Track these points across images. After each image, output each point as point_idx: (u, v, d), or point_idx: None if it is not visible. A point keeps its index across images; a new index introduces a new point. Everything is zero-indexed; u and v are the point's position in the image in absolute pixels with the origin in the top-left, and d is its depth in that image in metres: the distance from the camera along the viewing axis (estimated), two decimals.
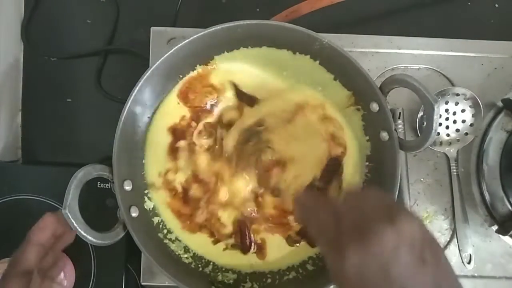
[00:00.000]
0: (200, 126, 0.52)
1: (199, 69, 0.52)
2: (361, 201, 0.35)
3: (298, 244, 0.51)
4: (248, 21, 0.47)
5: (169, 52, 0.47)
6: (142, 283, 0.54)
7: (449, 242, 0.55)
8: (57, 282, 0.44)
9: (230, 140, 0.52)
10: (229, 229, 0.52)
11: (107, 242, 0.43)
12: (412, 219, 0.32)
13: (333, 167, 0.52)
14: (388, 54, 0.58)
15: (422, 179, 0.57)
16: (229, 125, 0.53)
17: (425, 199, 0.56)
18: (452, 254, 0.55)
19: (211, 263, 0.51)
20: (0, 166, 0.58)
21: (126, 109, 0.46)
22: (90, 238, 0.41)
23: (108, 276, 0.54)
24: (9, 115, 0.61)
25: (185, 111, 0.53)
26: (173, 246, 0.50)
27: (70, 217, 0.40)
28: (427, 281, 0.30)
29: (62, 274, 0.46)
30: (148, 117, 0.51)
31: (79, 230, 0.40)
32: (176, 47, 0.47)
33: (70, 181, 0.41)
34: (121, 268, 0.55)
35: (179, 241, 0.51)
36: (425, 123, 0.54)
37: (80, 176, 0.42)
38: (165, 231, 0.50)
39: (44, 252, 0.43)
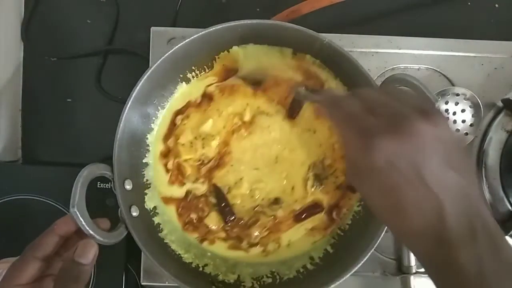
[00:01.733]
0: None
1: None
2: (397, 94, 0.34)
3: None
4: (248, 21, 0.47)
5: (169, 52, 0.47)
6: (142, 283, 0.54)
7: None
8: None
9: None
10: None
11: (112, 241, 0.43)
12: (446, 123, 0.32)
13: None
14: (388, 54, 0.58)
15: None
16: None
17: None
18: None
19: (212, 263, 0.51)
20: (0, 166, 0.58)
21: (126, 109, 0.46)
22: (97, 237, 0.41)
23: (108, 276, 0.54)
24: (9, 115, 0.61)
25: None
26: (173, 246, 0.50)
27: (79, 215, 0.40)
28: (453, 186, 0.30)
29: None
30: (148, 117, 0.51)
31: (87, 229, 0.40)
32: (176, 47, 0.47)
33: (76, 180, 0.41)
34: (121, 268, 0.55)
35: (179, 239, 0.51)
36: None
37: (86, 174, 0.42)
38: (165, 231, 0.50)
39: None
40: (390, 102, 0.34)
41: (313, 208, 0.52)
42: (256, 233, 0.51)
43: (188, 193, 0.52)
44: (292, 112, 0.52)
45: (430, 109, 0.32)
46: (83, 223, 0.40)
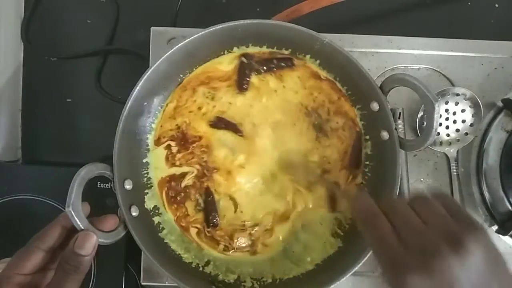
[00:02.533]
0: None
1: None
2: (430, 215, 0.35)
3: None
4: (248, 21, 0.47)
5: (169, 52, 0.47)
6: (142, 283, 0.54)
7: None
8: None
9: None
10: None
11: (108, 241, 0.43)
12: (479, 243, 0.32)
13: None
14: (388, 54, 0.58)
15: (422, 179, 0.57)
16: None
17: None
18: None
19: (212, 262, 0.51)
20: (0, 166, 0.58)
21: (127, 109, 0.46)
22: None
23: (108, 276, 0.54)
24: (9, 115, 0.61)
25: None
26: (173, 246, 0.50)
27: (74, 215, 0.40)
28: None
29: None
30: (148, 117, 0.51)
31: (82, 228, 0.40)
32: (176, 47, 0.47)
33: (73, 179, 0.41)
34: (121, 268, 0.55)
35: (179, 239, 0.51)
36: (425, 123, 0.54)
37: (83, 174, 0.42)
38: (165, 231, 0.50)
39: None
40: (422, 229, 0.34)
41: None
42: (240, 241, 0.51)
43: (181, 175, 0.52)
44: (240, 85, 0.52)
45: (464, 235, 0.33)
46: (78, 222, 0.40)
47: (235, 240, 0.51)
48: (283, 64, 0.52)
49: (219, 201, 0.52)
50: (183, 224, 0.51)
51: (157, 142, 0.52)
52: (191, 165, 0.52)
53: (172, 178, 0.51)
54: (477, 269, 0.32)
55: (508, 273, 0.33)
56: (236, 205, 0.51)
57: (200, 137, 0.52)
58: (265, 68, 0.52)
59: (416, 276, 0.32)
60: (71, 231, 0.42)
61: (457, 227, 0.34)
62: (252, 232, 0.51)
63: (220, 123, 0.52)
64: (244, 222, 0.51)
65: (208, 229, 0.51)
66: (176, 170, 0.52)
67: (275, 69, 0.52)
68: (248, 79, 0.52)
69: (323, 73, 0.52)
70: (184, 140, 0.52)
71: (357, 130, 0.52)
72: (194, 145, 0.52)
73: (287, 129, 0.52)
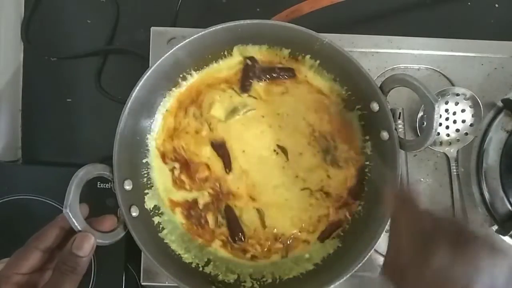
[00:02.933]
0: None
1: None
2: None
3: None
4: (249, 21, 0.47)
5: (169, 52, 0.47)
6: (142, 283, 0.54)
7: None
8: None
9: None
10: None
11: (107, 241, 0.43)
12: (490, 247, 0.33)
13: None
14: (388, 54, 0.58)
15: (422, 179, 0.57)
16: None
17: (425, 199, 0.56)
18: None
19: (212, 262, 0.51)
20: (0, 166, 0.58)
21: (127, 109, 0.46)
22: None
23: (108, 276, 0.54)
24: (9, 115, 0.61)
25: None
26: (173, 246, 0.50)
27: (71, 216, 0.40)
28: None
29: None
30: (149, 117, 0.51)
31: (80, 230, 0.40)
32: (176, 47, 0.47)
33: (71, 180, 0.41)
34: (121, 268, 0.55)
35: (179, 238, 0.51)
36: (425, 123, 0.54)
37: (81, 175, 0.42)
38: (165, 231, 0.50)
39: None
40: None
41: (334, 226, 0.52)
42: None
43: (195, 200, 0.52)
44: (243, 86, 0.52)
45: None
46: (76, 224, 0.40)
47: (267, 249, 0.51)
48: (285, 75, 0.52)
49: (241, 215, 0.51)
50: (207, 238, 0.51)
51: (162, 159, 0.52)
52: (202, 189, 0.52)
53: (186, 204, 0.52)
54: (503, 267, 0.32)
55: None
56: (262, 216, 0.51)
57: (205, 165, 0.52)
58: (268, 76, 0.52)
59: (447, 247, 0.32)
60: (69, 232, 0.42)
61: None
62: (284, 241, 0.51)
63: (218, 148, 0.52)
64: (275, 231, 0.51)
65: (235, 243, 0.51)
66: (187, 196, 0.52)
67: (277, 79, 0.52)
68: (251, 81, 0.52)
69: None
70: (187, 166, 0.52)
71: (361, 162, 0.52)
72: (199, 175, 0.52)
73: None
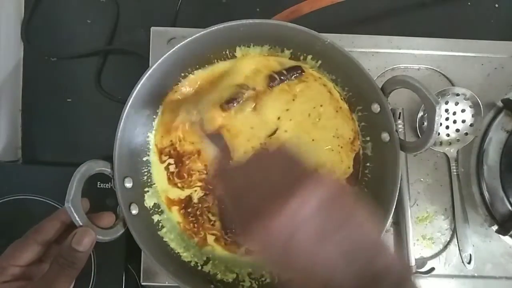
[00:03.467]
0: None
1: None
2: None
3: None
4: (250, 20, 0.47)
5: (169, 52, 0.47)
6: (142, 283, 0.54)
7: (449, 242, 0.55)
8: None
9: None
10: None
11: (107, 238, 0.43)
12: (316, 181, 0.31)
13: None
14: (388, 54, 0.58)
15: (422, 179, 0.57)
16: None
17: (425, 199, 0.56)
18: (452, 254, 0.55)
19: (211, 261, 0.51)
20: (0, 166, 0.58)
21: (127, 108, 0.46)
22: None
23: (108, 276, 0.54)
24: (9, 115, 0.61)
25: None
26: (172, 244, 0.50)
27: (73, 211, 0.40)
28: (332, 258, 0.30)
29: None
30: (149, 116, 0.51)
31: (81, 224, 0.41)
32: (176, 47, 0.47)
33: (73, 175, 0.41)
34: (121, 268, 0.55)
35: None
36: (425, 123, 0.54)
37: (83, 171, 0.42)
38: (164, 229, 0.50)
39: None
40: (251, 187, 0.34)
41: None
42: None
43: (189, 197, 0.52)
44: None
45: (300, 177, 0.32)
46: (77, 218, 0.40)
47: None
48: (295, 73, 0.52)
49: None
50: (202, 236, 0.51)
51: (159, 156, 0.52)
52: (193, 186, 0.52)
53: (182, 201, 0.52)
54: (318, 206, 0.30)
55: (359, 215, 0.31)
56: None
57: (196, 151, 0.52)
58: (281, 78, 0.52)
59: (257, 223, 0.30)
60: (69, 226, 0.42)
61: (291, 172, 0.33)
62: None
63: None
64: None
65: (226, 236, 0.51)
66: (180, 194, 0.52)
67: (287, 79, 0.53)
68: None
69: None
70: (181, 162, 0.52)
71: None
72: (189, 161, 0.52)
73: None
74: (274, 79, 0.52)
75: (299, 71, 0.52)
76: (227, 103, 0.51)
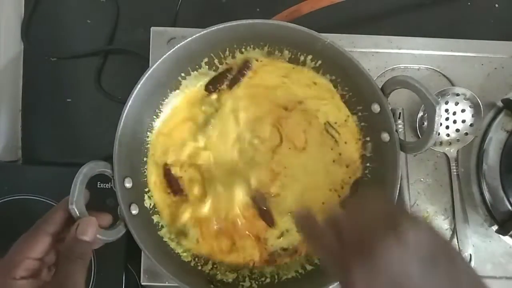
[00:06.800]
0: None
1: None
2: (361, 210, 0.34)
3: None
4: (250, 20, 0.47)
5: (169, 52, 0.47)
6: (142, 283, 0.54)
7: None
8: None
9: None
10: None
11: (110, 239, 0.43)
12: (417, 225, 0.30)
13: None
14: (388, 54, 0.58)
15: (422, 179, 0.57)
16: None
17: (425, 199, 0.56)
18: None
19: (210, 261, 0.51)
20: (0, 166, 0.58)
21: (127, 108, 0.46)
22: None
23: (108, 276, 0.54)
24: (9, 115, 0.61)
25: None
26: (172, 245, 0.50)
27: (77, 212, 0.40)
28: (443, 283, 0.29)
29: None
30: (149, 116, 0.51)
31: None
32: (176, 46, 0.47)
33: (76, 177, 0.41)
34: (121, 268, 0.55)
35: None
36: (425, 123, 0.54)
37: (85, 172, 0.42)
38: (164, 229, 0.50)
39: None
40: (355, 219, 0.33)
41: None
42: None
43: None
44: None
45: (397, 216, 0.31)
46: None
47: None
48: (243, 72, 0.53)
49: None
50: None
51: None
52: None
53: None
54: (420, 251, 0.29)
55: (458, 258, 0.31)
56: None
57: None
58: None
59: (358, 266, 0.30)
60: (71, 221, 0.42)
61: (394, 211, 0.33)
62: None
63: None
64: None
65: None
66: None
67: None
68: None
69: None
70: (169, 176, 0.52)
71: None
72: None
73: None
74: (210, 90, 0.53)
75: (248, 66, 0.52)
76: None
